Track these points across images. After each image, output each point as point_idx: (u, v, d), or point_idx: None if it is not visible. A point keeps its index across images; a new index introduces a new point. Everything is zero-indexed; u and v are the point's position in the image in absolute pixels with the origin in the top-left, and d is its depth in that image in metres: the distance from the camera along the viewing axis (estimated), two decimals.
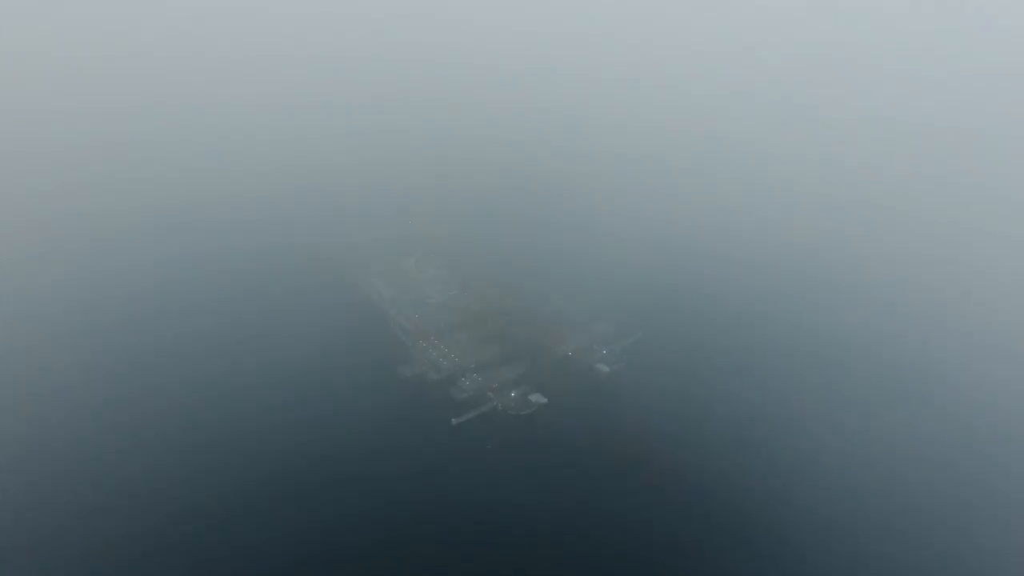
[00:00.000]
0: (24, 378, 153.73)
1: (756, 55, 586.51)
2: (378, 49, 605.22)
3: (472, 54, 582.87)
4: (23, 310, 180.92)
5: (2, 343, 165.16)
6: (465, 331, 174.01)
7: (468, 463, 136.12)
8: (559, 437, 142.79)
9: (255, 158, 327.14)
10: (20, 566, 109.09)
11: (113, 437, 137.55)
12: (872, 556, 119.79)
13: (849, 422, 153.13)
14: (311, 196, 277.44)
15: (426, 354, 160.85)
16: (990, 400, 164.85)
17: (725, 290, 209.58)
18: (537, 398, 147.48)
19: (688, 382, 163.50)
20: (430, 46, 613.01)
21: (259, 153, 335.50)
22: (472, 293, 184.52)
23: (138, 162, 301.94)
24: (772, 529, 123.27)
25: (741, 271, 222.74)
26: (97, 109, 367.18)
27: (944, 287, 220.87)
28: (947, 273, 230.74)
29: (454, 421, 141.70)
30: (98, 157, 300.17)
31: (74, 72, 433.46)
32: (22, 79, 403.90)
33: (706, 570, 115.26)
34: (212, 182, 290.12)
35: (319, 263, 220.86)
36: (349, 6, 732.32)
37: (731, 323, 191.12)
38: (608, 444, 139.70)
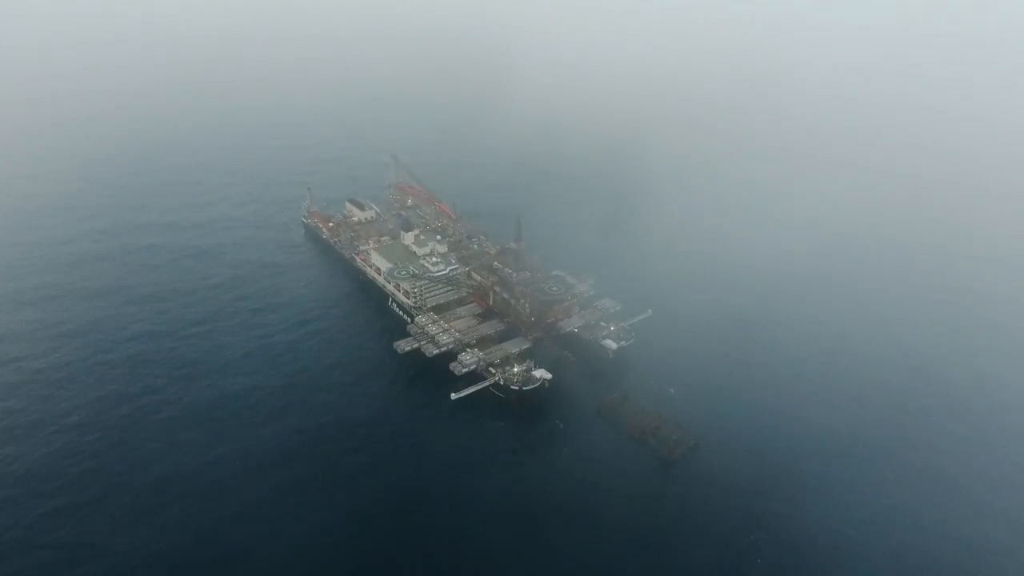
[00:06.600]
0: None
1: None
2: (392, 35, 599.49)
3: (486, 33, 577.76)
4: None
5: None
6: (466, 306, 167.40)
7: (468, 438, 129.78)
8: (563, 413, 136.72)
9: (255, 144, 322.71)
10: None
11: (110, 418, 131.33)
12: (873, 548, 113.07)
13: (857, 404, 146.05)
14: (307, 172, 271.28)
15: (425, 329, 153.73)
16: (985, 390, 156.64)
17: (737, 270, 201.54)
18: (542, 373, 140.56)
19: (696, 361, 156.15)
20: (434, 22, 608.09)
21: (260, 136, 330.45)
22: (473, 267, 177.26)
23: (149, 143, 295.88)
24: (782, 508, 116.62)
25: (754, 251, 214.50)
26: None
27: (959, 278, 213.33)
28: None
29: (453, 396, 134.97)
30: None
31: None
32: None
33: (714, 546, 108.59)
34: (211, 167, 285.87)
35: (315, 237, 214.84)
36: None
37: (742, 303, 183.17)
38: (613, 421, 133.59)
